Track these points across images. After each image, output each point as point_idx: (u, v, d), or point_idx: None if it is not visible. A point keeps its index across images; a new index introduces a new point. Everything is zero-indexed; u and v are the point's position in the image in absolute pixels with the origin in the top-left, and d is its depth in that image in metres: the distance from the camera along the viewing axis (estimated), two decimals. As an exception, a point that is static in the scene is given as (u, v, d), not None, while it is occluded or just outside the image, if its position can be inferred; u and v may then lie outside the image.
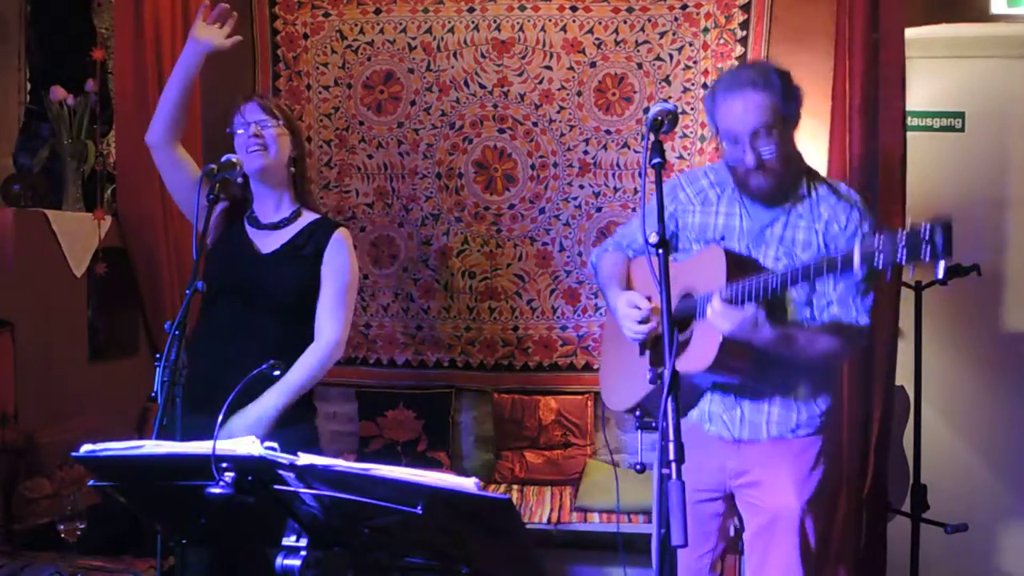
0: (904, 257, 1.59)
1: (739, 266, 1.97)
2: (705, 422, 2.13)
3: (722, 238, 2.09)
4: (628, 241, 2.32)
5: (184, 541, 1.68)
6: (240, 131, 2.27)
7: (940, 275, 1.60)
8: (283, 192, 2.34)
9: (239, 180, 2.31)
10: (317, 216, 2.36)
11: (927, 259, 1.57)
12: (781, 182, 1.99)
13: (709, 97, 2.04)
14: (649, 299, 2.11)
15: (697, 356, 1.97)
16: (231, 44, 2.33)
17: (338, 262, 2.29)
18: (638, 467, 1.60)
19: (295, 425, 2.22)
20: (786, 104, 1.96)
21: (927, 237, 1.56)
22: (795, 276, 1.81)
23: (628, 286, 2.23)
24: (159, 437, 1.78)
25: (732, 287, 1.88)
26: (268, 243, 2.31)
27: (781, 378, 2.06)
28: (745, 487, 2.12)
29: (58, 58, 3.29)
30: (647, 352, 2.18)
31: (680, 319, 2.05)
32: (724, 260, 1.95)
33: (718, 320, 1.85)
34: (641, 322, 2.07)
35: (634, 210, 3.48)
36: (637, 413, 1.63)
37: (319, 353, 2.24)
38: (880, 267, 1.62)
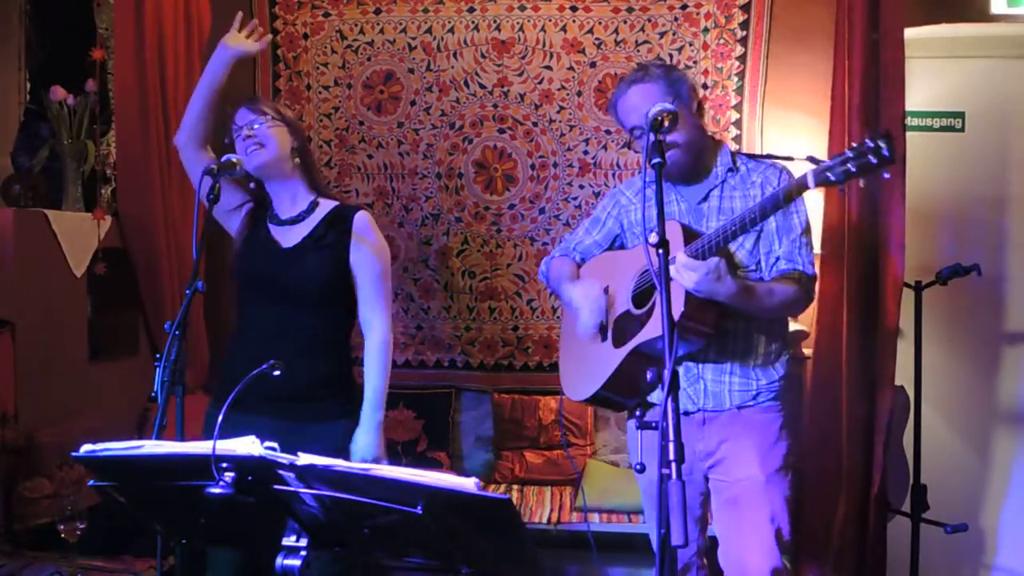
0: (855, 166, 1.71)
1: (693, 235, 2.05)
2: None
3: None
4: (575, 244, 2.39)
5: (184, 541, 1.68)
6: (236, 136, 2.30)
7: (886, 176, 1.76)
8: (296, 185, 2.35)
9: (251, 185, 2.34)
10: (335, 204, 2.38)
11: (875, 163, 1.69)
12: (695, 157, 2.11)
13: (611, 106, 2.18)
14: (606, 288, 2.22)
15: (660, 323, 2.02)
16: (259, 49, 2.48)
17: (365, 249, 2.31)
18: (638, 467, 1.60)
19: (328, 421, 2.27)
20: (672, 85, 2.09)
21: (872, 145, 1.70)
22: (753, 216, 1.89)
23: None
24: (159, 437, 1.78)
25: (693, 245, 1.97)
26: (290, 237, 2.32)
27: (740, 346, 2.14)
28: (713, 467, 2.17)
29: (58, 58, 3.29)
30: (608, 336, 2.20)
31: (641, 292, 2.13)
32: (680, 231, 2.03)
33: (684, 274, 1.90)
34: (595, 300, 2.18)
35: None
36: (637, 413, 1.63)
37: (379, 350, 2.28)
38: (834, 180, 1.73)
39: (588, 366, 2.26)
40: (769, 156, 2.29)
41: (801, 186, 1.82)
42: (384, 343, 2.29)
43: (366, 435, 2.25)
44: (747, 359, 2.15)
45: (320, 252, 2.28)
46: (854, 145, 1.72)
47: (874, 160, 1.69)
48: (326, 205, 2.36)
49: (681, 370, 2.14)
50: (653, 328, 2.03)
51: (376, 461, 2.23)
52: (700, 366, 2.16)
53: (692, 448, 2.11)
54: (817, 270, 2.17)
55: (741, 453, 2.13)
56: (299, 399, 2.23)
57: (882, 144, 1.68)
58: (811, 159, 1.81)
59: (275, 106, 2.37)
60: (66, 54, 3.29)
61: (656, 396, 2.17)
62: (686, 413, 2.14)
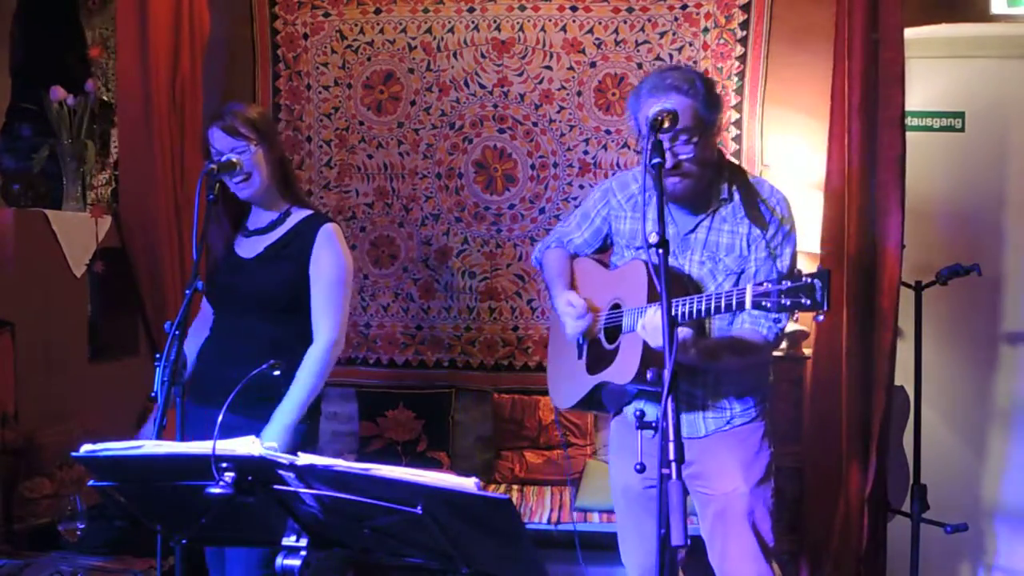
0: (789, 303, 1.64)
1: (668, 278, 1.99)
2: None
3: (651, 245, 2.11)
4: (567, 239, 2.36)
5: (184, 541, 1.68)
6: (231, 157, 2.20)
7: (820, 319, 1.67)
8: (274, 197, 2.34)
9: (210, 197, 2.19)
10: (307, 213, 2.34)
11: (808, 306, 1.62)
12: (696, 185, 2.01)
13: (633, 97, 2.04)
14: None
15: (623, 369, 2.02)
16: None
17: (324, 259, 2.26)
18: (638, 467, 1.60)
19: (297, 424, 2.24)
20: (708, 110, 1.97)
21: (806, 288, 1.62)
22: (728, 303, 1.80)
23: (572, 285, 2.28)
24: (159, 437, 1.78)
25: (695, 302, 1.88)
26: (252, 248, 2.32)
27: (709, 384, 2.11)
28: (692, 477, 2.14)
29: (43, 59, 3.27)
30: (584, 354, 2.21)
31: (609, 329, 2.11)
32: (645, 274, 1.98)
33: (651, 335, 1.85)
34: (578, 319, 2.14)
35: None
36: (636, 413, 1.63)
37: (318, 357, 2.22)
38: (770, 309, 1.66)
39: (567, 378, 2.27)
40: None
41: (740, 303, 1.75)
42: (324, 351, 2.23)
43: (274, 433, 2.14)
44: (718, 394, 2.11)
45: (279, 263, 2.27)
46: (789, 284, 1.64)
47: (806, 301, 1.62)
48: (298, 214, 2.33)
49: (651, 404, 2.11)
50: (617, 373, 2.04)
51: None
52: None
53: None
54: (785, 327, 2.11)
55: (723, 467, 2.11)
56: (250, 398, 2.13)
57: (817, 284, 1.61)
58: (755, 289, 1.71)
59: (253, 119, 2.25)
60: (52, 55, 3.29)
61: (629, 411, 2.12)
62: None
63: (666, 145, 1.93)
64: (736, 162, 2.16)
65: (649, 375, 1.64)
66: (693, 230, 2.09)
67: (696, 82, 1.98)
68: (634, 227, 2.16)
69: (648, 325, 1.86)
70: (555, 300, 2.27)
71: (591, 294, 2.21)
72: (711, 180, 2.06)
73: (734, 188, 2.08)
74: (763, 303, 1.67)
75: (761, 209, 2.07)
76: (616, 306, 2.11)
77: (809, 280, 1.62)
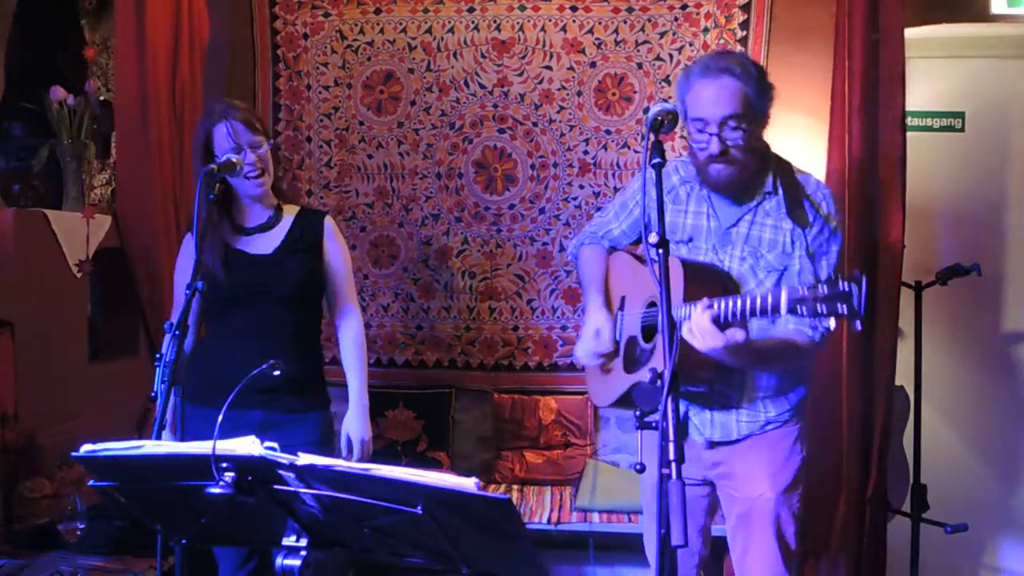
0: (825, 310, 1.61)
1: (696, 276, 1.96)
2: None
3: (690, 239, 2.09)
4: (604, 232, 2.32)
5: (184, 541, 1.68)
6: (238, 156, 2.21)
7: (858, 327, 1.64)
8: (267, 194, 2.37)
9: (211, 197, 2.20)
10: (298, 208, 2.45)
11: (845, 314, 1.60)
12: (741, 175, 1.96)
13: (683, 78, 1.99)
14: (623, 300, 2.18)
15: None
16: None
17: (336, 250, 2.43)
18: (638, 467, 1.60)
19: (312, 411, 2.38)
20: (759, 97, 1.92)
21: (843, 295, 1.60)
22: (744, 310, 1.76)
23: (606, 279, 2.25)
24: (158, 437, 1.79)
25: (716, 307, 1.80)
26: (263, 244, 2.35)
27: (748, 381, 2.07)
28: (721, 477, 2.14)
29: (38, 59, 3.27)
30: (621, 352, 2.19)
31: (646, 328, 2.08)
32: (681, 272, 1.95)
33: (701, 337, 1.78)
34: (595, 354, 2.13)
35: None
36: (636, 413, 1.62)
37: (360, 336, 2.45)
38: (805, 316, 1.64)
39: (604, 376, 2.24)
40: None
41: (776, 307, 1.70)
42: (362, 333, 2.46)
43: (358, 418, 2.41)
44: (754, 395, 2.08)
45: (298, 255, 2.36)
46: (826, 291, 1.61)
47: (843, 309, 1.60)
48: (290, 210, 2.42)
49: (683, 405, 2.09)
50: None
51: (369, 442, 2.40)
52: (704, 404, 2.10)
53: (699, 456, 2.11)
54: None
55: (752, 471, 2.09)
56: (281, 392, 2.27)
57: (854, 290, 1.59)
58: (791, 293, 1.67)
59: (256, 114, 2.36)
60: (46, 55, 3.29)
61: None
62: (691, 440, 2.11)
63: (714, 130, 1.90)
64: (783, 157, 2.10)
65: (649, 375, 1.63)
66: (735, 224, 2.04)
67: (749, 67, 1.93)
68: (674, 220, 2.10)
69: (696, 328, 1.78)
70: (587, 312, 2.22)
71: (626, 291, 2.19)
72: (756, 170, 1.99)
73: (778, 181, 2.02)
74: (798, 309, 1.64)
75: (805, 205, 2.01)
76: (652, 304, 2.07)
77: (847, 287, 1.59)
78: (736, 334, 1.77)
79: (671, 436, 1.41)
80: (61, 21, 3.37)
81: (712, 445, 2.11)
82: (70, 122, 3.01)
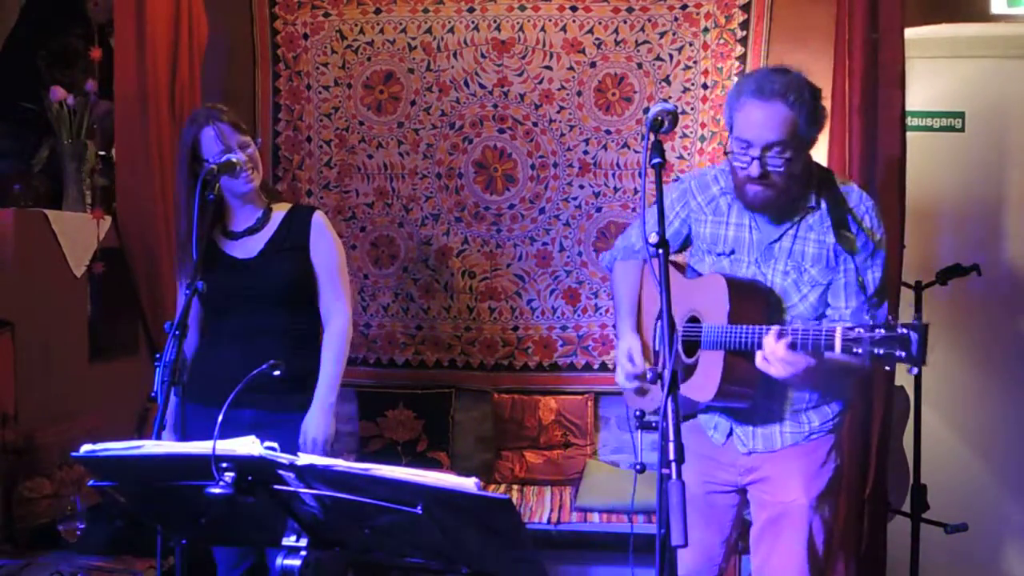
0: (882, 354, 1.58)
1: (741, 293, 1.94)
2: (710, 430, 2.13)
3: (732, 251, 2.07)
4: (641, 244, 2.28)
5: (184, 541, 1.68)
6: (237, 156, 2.25)
7: (914, 372, 1.60)
8: (255, 195, 2.39)
9: (211, 197, 2.23)
10: (288, 206, 2.44)
11: (902, 359, 1.56)
12: (779, 199, 1.94)
13: (735, 92, 1.94)
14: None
15: (703, 386, 1.97)
16: None
17: (323, 246, 2.39)
18: (638, 467, 1.60)
19: (304, 412, 2.35)
20: (809, 127, 1.88)
21: (900, 340, 1.56)
22: (796, 344, 1.76)
23: (639, 295, 2.22)
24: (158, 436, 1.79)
25: (791, 334, 1.78)
26: (248, 248, 2.36)
27: (793, 395, 2.06)
28: (755, 482, 2.13)
29: (38, 59, 3.27)
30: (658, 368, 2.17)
31: (687, 343, 2.05)
32: (725, 289, 1.93)
33: (778, 366, 1.77)
34: (628, 378, 2.10)
35: (634, 210, 3.48)
36: (636, 413, 1.62)
37: (339, 337, 2.38)
38: (861, 356, 1.61)
39: (647, 393, 2.22)
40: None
41: (830, 345, 1.68)
42: (343, 331, 2.40)
43: (318, 415, 2.34)
44: (798, 407, 2.06)
45: (283, 255, 2.35)
46: (883, 334, 1.57)
47: (901, 354, 1.55)
48: (281, 208, 2.42)
49: (723, 420, 2.10)
50: (697, 389, 1.98)
51: (326, 442, 2.35)
52: (746, 419, 2.08)
53: (734, 462, 2.11)
54: None
55: (787, 476, 2.07)
56: (274, 392, 2.25)
57: (913, 338, 1.54)
58: (845, 331, 1.64)
59: (237, 116, 2.36)
60: (43, 55, 3.28)
61: (703, 418, 2.14)
62: (731, 448, 2.11)
63: (756, 154, 1.86)
64: (825, 167, 2.06)
65: (650, 375, 1.63)
66: (779, 239, 2.00)
67: (804, 92, 1.86)
68: (715, 231, 2.08)
69: (772, 358, 1.77)
70: (619, 335, 2.20)
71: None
72: (796, 196, 1.96)
73: (822, 197, 1.98)
74: (854, 349, 1.61)
75: (848, 220, 1.97)
76: (694, 319, 2.03)
77: (904, 332, 1.55)
78: (810, 360, 1.76)
79: (671, 436, 1.40)
80: (62, 21, 3.36)
81: (750, 452, 2.11)
82: (70, 122, 3.01)
